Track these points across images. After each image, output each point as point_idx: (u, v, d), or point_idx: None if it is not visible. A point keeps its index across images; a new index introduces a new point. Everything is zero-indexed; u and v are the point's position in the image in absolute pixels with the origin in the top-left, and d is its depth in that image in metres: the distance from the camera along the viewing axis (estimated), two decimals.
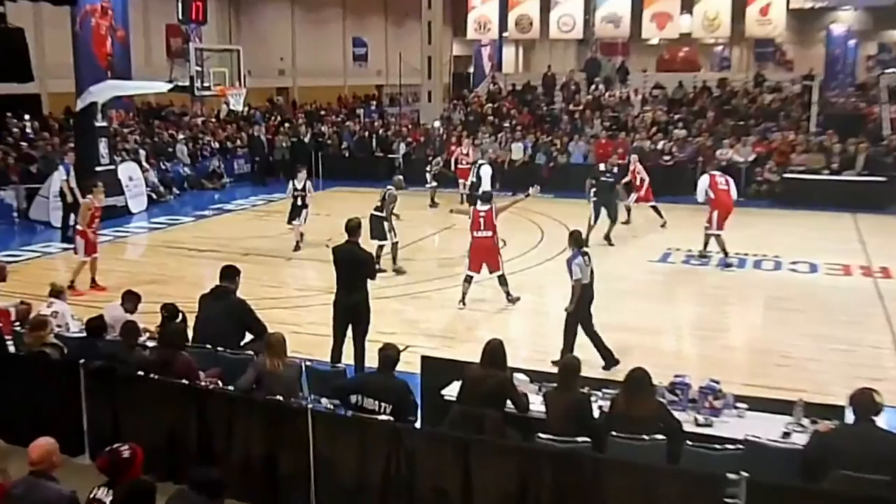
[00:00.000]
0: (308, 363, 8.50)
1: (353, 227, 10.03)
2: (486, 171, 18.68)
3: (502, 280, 13.12)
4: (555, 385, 7.35)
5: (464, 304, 13.02)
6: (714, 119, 26.63)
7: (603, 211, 17.48)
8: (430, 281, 14.43)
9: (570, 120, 27.83)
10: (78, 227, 14.43)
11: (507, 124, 27.57)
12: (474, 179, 20.42)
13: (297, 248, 16.93)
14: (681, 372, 7.92)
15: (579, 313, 10.35)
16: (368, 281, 9.91)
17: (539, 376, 7.97)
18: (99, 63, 20.50)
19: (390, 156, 27.18)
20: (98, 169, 20.30)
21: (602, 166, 18.22)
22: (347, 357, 9.78)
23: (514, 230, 18.80)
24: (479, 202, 13.31)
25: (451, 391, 7.72)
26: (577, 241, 10.66)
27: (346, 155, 27.71)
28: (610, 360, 10.40)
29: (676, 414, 7.16)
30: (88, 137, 20.24)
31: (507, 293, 13.21)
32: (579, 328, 10.40)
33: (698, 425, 7.27)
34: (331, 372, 8.69)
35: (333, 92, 41.27)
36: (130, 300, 9.89)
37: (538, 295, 14.24)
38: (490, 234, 12.87)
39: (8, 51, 9.45)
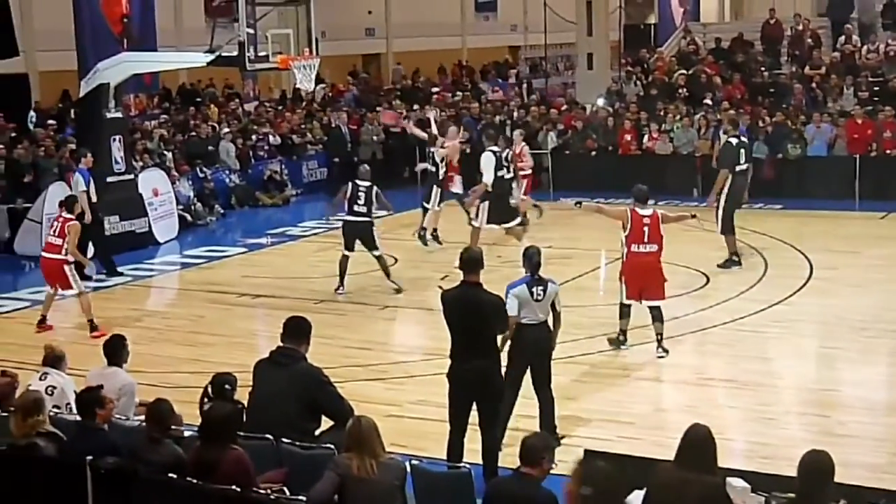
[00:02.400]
0: (414, 462, 8.51)
1: (472, 261, 10.02)
2: (487, 160, 18.84)
3: (659, 316, 13.68)
4: (791, 496, 7.17)
5: (621, 342, 13.84)
6: None
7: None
8: (593, 339, 14.34)
9: (805, 90, 27.35)
10: (70, 256, 15.66)
11: (708, 100, 27.30)
12: None
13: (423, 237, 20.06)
14: None
15: (515, 369, 10.59)
16: (499, 338, 9.92)
17: (766, 481, 7.79)
18: (111, 28, 21.31)
19: (534, 151, 27.22)
20: (111, 180, 21.03)
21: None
22: (472, 454, 9.79)
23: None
24: (636, 201, 13.74)
25: (636, 503, 7.62)
26: (530, 263, 10.78)
27: (468, 151, 27.89)
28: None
29: None
30: (96, 135, 20.99)
31: (660, 338, 13.72)
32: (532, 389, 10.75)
33: None
34: (448, 474, 8.67)
35: (447, 58, 41.72)
36: (117, 351, 10.19)
37: (762, 357, 13.95)
38: (656, 248, 13.55)
39: None
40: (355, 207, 17.01)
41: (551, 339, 10.95)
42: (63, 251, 15.57)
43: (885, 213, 22.37)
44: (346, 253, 17.21)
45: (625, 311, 13.77)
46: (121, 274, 19.11)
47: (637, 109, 27.59)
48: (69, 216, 15.85)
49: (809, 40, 30.37)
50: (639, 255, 13.45)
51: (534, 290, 10.66)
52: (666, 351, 13.62)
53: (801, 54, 30.00)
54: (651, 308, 13.61)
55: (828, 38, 30.85)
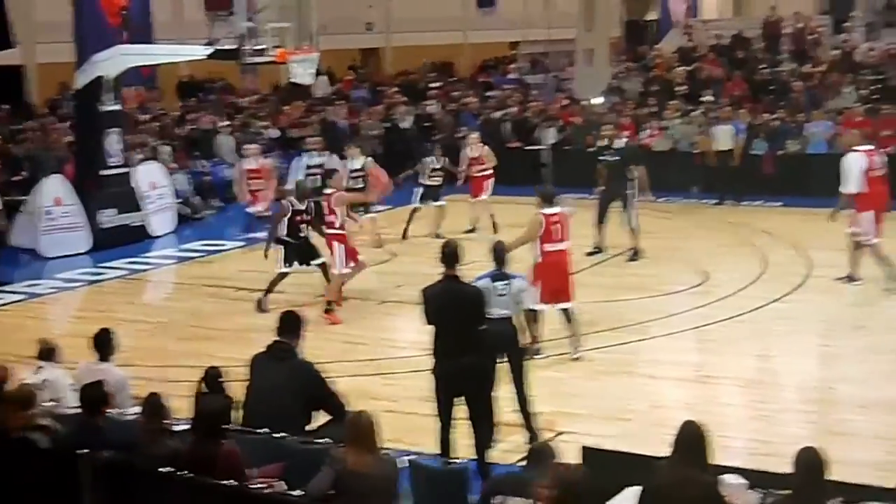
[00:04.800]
0: (411, 458, 8.52)
1: (451, 254, 10.03)
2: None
3: (571, 317, 13.50)
4: (788, 492, 7.18)
5: (536, 351, 12.84)
6: None
7: (614, 208, 18.61)
8: (591, 334, 14.34)
9: (805, 88, 27.35)
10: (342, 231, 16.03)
11: (707, 97, 27.30)
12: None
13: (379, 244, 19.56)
14: None
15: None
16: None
17: (762, 478, 7.79)
18: (108, 20, 21.30)
19: (531, 147, 27.26)
20: (106, 173, 21.03)
21: (605, 140, 19.52)
22: (465, 449, 9.80)
23: (723, 256, 18.59)
24: (543, 202, 13.56)
25: (629, 501, 7.63)
26: (497, 258, 10.90)
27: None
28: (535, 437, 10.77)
29: None
30: (92, 127, 21.02)
31: (576, 338, 13.59)
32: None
33: None
34: (443, 470, 8.68)
35: (446, 54, 41.72)
36: (107, 345, 10.18)
37: (761, 355, 13.96)
38: (566, 246, 13.48)
39: None
40: None
41: (519, 335, 10.89)
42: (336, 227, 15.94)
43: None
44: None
45: (534, 317, 12.91)
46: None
47: (636, 106, 27.61)
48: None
49: (811, 37, 30.36)
50: (552, 254, 13.28)
51: (497, 284, 10.70)
52: (579, 351, 13.54)
53: (802, 52, 29.98)
54: (564, 310, 13.45)
55: (829, 35, 30.84)
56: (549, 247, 13.26)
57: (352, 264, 16.02)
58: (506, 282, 10.77)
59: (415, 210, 20.99)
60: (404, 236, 20.74)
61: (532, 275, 13.24)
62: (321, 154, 19.76)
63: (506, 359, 10.75)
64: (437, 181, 21.04)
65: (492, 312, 10.50)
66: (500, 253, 10.98)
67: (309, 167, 19.16)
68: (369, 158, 20.19)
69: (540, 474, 7.36)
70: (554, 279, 13.31)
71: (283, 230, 16.12)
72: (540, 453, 7.55)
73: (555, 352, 13.60)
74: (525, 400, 10.86)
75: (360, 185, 19.32)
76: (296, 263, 16.19)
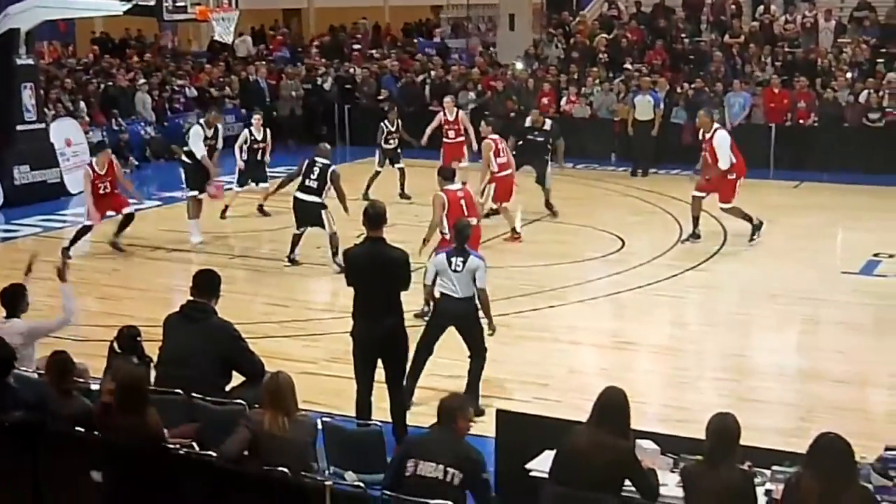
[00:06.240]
0: (326, 419, 8.50)
1: (377, 216, 10.01)
2: (195, 133, 18.52)
3: None
4: (699, 457, 7.25)
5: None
6: None
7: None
8: (508, 299, 14.39)
9: (725, 59, 27.54)
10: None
11: (628, 66, 27.42)
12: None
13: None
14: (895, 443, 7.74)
15: (429, 333, 10.82)
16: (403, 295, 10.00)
17: (675, 443, 7.87)
18: None
19: None
20: (21, 128, 20.67)
21: (529, 121, 19.91)
22: (382, 412, 9.81)
23: (640, 224, 18.70)
24: (444, 180, 13.54)
25: (542, 464, 7.66)
26: (458, 235, 10.95)
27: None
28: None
29: None
30: (5, 82, 20.63)
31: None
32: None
33: None
34: (358, 432, 8.68)
35: (368, 16, 41.53)
36: (17, 302, 9.99)
37: (676, 322, 14.07)
38: (475, 221, 13.32)
39: None
40: (307, 182, 15.98)
41: (476, 313, 10.82)
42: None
43: (799, 182, 22.69)
44: (297, 232, 16.35)
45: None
46: None
47: (557, 72, 27.65)
48: None
49: (731, 8, 30.51)
50: None
51: (453, 259, 10.67)
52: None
53: (722, 22, 30.16)
54: None
55: (748, 6, 31.03)
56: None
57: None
58: (462, 258, 10.71)
59: (376, 173, 20.81)
60: (365, 197, 19.97)
61: (439, 249, 12.93)
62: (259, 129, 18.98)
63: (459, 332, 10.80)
64: (392, 144, 21.06)
65: (447, 287, 10.64)
66: (461, 230, 10.95)
67: (256, 142, 18.60)
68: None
69: (450, 433, 7.38)
70: None
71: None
72: (449, 410, 7.51)
73: None
74: (475, 375, 10.80)
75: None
76: None
